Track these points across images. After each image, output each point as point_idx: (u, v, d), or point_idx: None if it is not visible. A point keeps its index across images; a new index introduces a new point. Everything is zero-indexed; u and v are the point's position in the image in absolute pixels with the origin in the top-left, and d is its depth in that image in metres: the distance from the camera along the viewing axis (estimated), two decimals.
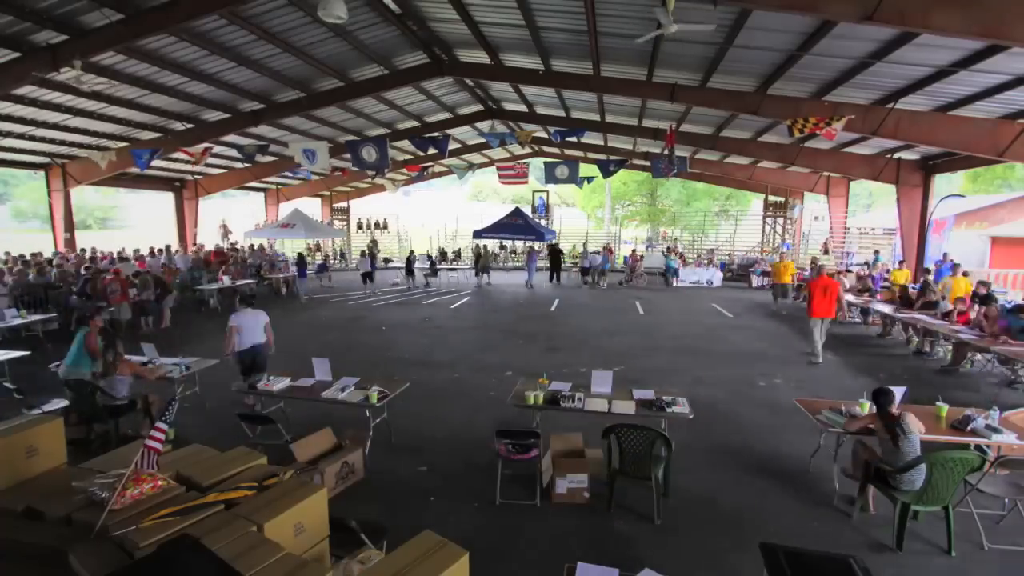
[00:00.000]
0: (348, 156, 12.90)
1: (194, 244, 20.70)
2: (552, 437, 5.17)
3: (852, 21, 6.31)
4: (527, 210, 25.24)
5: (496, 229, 17.76)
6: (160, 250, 17.94)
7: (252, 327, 6.76)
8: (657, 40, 8.63)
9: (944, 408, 4.95)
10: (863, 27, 6.55)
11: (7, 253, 15.45)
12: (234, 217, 25.25)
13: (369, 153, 12.15)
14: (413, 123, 17.44)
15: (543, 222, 24.72)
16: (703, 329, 11.56)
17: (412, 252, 19.76)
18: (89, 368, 6.03)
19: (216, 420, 6.21)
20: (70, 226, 16.67)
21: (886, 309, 10.89)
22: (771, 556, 2.78)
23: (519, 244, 24.35)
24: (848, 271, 15.13)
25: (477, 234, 18.13)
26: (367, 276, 17.51)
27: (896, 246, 16.59)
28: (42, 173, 16.22)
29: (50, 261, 14.25)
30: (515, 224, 17.58)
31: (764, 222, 22.92)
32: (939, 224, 14.99)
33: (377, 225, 28.13)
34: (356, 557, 2.68)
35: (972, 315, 8.99)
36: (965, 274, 11.49)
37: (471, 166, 21.70)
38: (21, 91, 10.28)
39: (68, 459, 2.82)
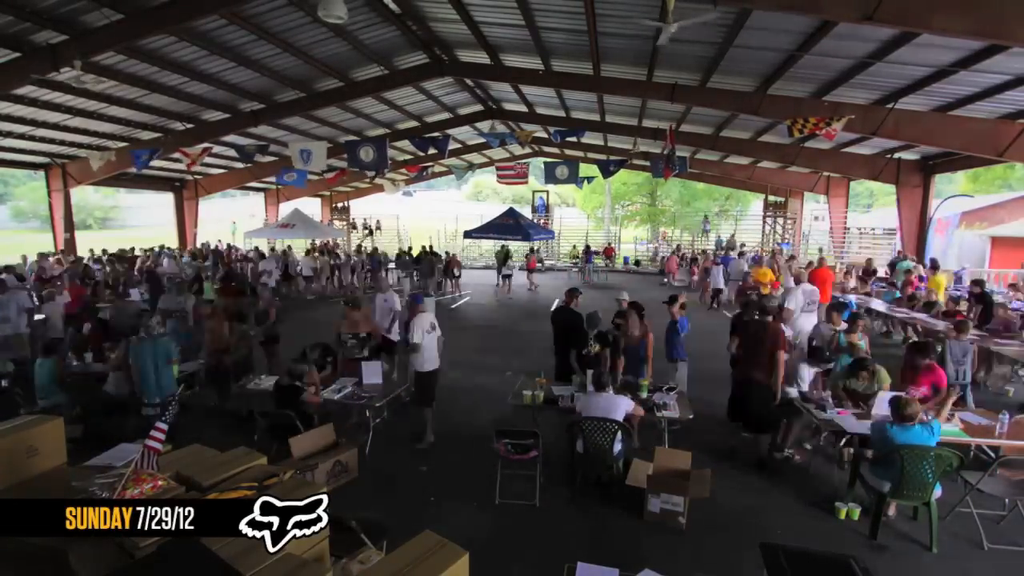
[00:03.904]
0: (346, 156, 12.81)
1: (193, 244, 20.68)
2: (658, 450, 4.69)
3: (852, 21, 6.31)
4: (527, 210, 25.22)
5: (487, 229, 17.65)
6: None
7: None
8: (657, 39, 8.63)
9: None
10: (863, 27, 6.54)
11: None
12: (233, 217, 25.20)
13: (367, 153, 12.08)
14: (413, 123, 17.44)
15: (543, 222, 24.65)
16: (704, 330, 11.53)
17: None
18: (64, 397, 5.62)
19: (216, 420, 6.20)
20: (70, 226, 16.66)
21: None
22: (771, 556, 2.78)
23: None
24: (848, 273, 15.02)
25: (468, 234, 18.08)
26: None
27: (895, 247, 16.55)
28: (42, 173, 16.22)
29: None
30: (506, 224, 17.42)
31: (764, 222, 22.89)
32: (942, 224, 14.84)
33: (378, 226, 27.92)
34: (356, 557, 2.68)
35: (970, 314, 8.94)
36: (936, 267, 11.29)
37: (471, 166, 21.65)
38: (21, 91, 10.27)
39: (68, 459, 2.82)
